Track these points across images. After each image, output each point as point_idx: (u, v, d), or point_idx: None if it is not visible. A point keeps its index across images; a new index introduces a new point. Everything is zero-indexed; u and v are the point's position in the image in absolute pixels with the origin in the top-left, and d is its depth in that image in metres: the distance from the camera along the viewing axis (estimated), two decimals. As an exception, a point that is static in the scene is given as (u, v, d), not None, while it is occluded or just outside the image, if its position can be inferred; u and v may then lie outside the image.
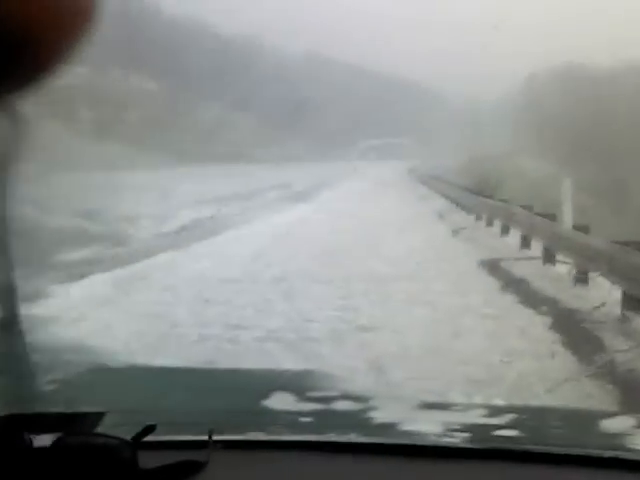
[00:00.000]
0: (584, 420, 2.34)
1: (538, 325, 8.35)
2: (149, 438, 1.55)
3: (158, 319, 8.56)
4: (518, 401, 5.70)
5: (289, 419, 1.98)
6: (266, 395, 2.08)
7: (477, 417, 1.94)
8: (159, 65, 54.09)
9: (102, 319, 8.36)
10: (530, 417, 2.26)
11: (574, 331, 8.03)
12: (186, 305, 9.38)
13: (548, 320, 8.46)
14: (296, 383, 2.55)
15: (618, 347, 7.22)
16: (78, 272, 11.01)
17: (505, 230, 16.56)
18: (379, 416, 1.92)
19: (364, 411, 1.99)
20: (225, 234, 17.21)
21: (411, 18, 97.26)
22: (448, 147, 57.77)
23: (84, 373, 2.99)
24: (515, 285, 10.82)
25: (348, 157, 68.47)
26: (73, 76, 43.12)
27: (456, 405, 2.55)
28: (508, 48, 65.96)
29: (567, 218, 15.25)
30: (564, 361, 6.93)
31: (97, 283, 10.51)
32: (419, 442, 1.73)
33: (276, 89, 68.36)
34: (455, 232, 17.87)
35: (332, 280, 11.15)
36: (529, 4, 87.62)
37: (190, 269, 12.30)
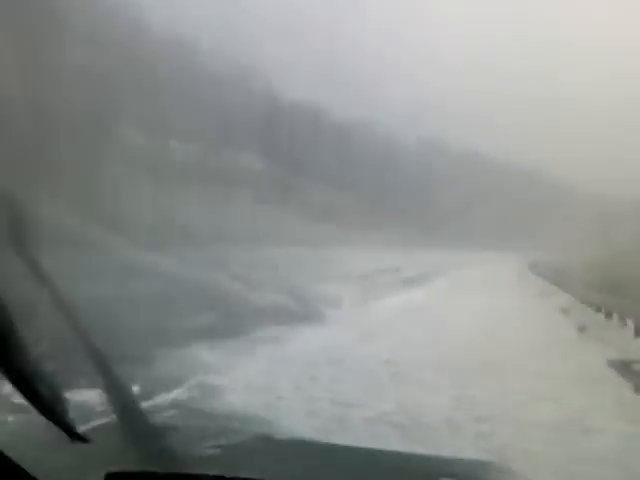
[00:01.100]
0: None
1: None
2: None
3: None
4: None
5: None
6: None
7: None
8: (271, 146, 55.92)
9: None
10: None
11: None
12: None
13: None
14: (470, 474, 2.47)
15: None
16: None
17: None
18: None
19: None
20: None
21: (537, 99, 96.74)
22: (575, 242, 56.56)
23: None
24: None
25: (462, 246, 68.14)
26: (185, 154, 45.29)
27: None
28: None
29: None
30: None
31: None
32: None
33: (388, 174, 69.40)
34: (582, 329, 17.34)
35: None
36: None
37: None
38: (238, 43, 61.59)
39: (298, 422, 7.05)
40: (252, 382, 9.14)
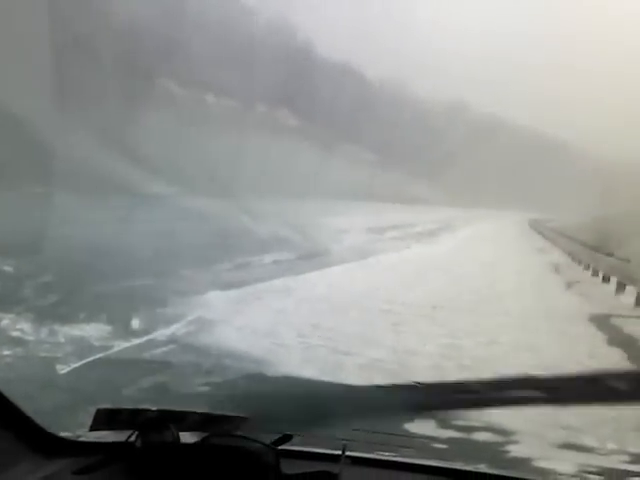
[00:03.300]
0: None
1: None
2: (283, 446, 1.65)
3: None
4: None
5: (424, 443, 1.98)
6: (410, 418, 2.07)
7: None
8: (305, 104, 55.38)
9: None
10: None
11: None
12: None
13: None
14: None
15: None
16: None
17: (621, 288, 15.94)
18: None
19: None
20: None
21: (568, 67, 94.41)
22: (575, 203, 55.99)
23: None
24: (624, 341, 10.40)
25: (470, 204, 67.62)
26: (220, 107, 44.89)
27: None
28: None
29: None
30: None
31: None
32: None
33: (412, 135, 68.82)
34: (569, 285, 17.35)
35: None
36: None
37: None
38: (277, 3, 60.79)
39: (293, 367, 7.15)
40: (256, 327, 9.18)
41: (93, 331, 7.06)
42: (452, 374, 7.75)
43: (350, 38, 66.39)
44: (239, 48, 46.68)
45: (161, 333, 8.13)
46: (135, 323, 8.17)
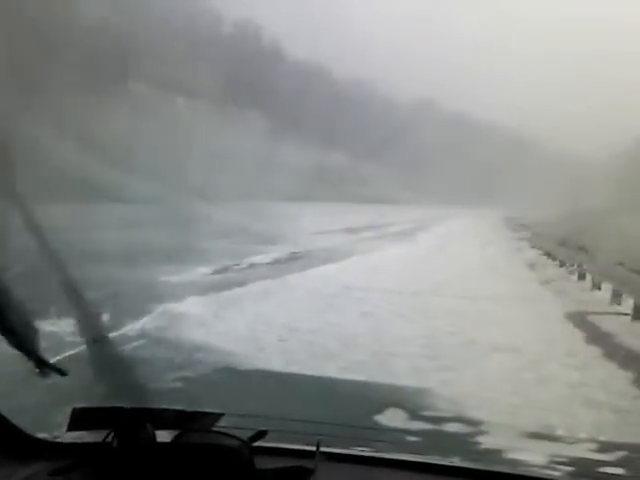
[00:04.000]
0: None
1: (620, 379, 8.07)
2: (258, 443, 1.63)
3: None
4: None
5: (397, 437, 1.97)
6: (380, 410, 2.07)
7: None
8: (273, 103, 55.39)
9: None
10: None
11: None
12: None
13: (631, 375, 8.17)
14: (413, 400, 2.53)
15: None
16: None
17: (597, 284, 16.10)
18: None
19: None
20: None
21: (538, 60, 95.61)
22: (549, 200, 56.61)
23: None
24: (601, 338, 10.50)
25: (446, 201, 68.11)
26: (191, 109, 44.74)
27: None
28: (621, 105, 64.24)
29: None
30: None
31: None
32: (520, 472, 1.71)
33: (380, 133, 69.11)
34: (546, 282, 17.49)
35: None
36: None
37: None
38: (244, 4, 60.74)
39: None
40: (239, 335, 9.14)
41: (65, 326, 6.91)
42: (433, 376, 7.77)
43: (317, 37, 66.63)
44: (206, 49, 46.60)
45: (131, 328, 8.05)
46: (105, 317, 8.06)
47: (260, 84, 56.01)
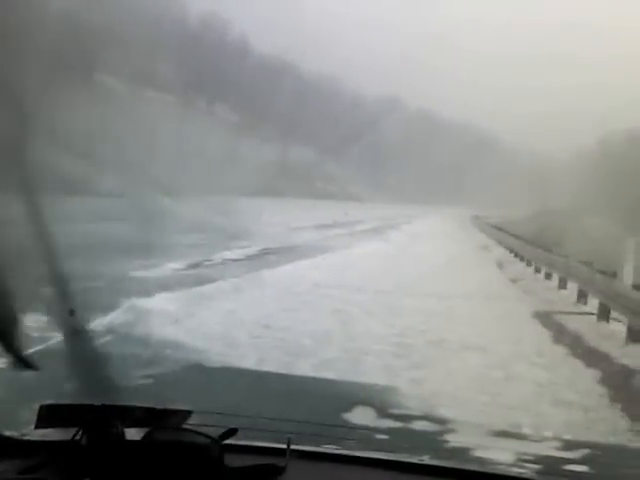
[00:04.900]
0: None
1: (586, 378, 8.25)
2: (228, 441, 1.64)
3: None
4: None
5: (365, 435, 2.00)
6: (348, 408, 2.11)
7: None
8: (241, 100, 55.19)
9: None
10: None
11: (623, 387, 7.90)
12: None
13: (598, 374, 8.35)
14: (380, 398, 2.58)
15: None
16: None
17: (563, 284, 16.33)
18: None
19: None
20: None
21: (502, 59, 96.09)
22: (514, 200, 57.19)
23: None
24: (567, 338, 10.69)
25: (413, 199, 68.42)
26: (161, 103, 44.38)
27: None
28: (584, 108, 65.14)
29: (628, 277, 14.86)
30: (613, 415, 6.84)
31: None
32: (489, 470, 1.73)
33: (347, 129, 69.21)
34: (513, 281, 17.73)
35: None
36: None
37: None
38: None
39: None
40: (210, 332, 9.14)
41: (31, 322, 6.86)
42: (403, 374, 7.86)
43: (284, 32, 66.52)
44: (173, 42, 46.21)
45: (99, 323, 8.01)
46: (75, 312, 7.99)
47: (227, 78, 55.77)
